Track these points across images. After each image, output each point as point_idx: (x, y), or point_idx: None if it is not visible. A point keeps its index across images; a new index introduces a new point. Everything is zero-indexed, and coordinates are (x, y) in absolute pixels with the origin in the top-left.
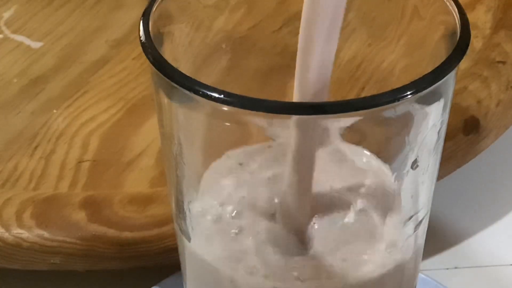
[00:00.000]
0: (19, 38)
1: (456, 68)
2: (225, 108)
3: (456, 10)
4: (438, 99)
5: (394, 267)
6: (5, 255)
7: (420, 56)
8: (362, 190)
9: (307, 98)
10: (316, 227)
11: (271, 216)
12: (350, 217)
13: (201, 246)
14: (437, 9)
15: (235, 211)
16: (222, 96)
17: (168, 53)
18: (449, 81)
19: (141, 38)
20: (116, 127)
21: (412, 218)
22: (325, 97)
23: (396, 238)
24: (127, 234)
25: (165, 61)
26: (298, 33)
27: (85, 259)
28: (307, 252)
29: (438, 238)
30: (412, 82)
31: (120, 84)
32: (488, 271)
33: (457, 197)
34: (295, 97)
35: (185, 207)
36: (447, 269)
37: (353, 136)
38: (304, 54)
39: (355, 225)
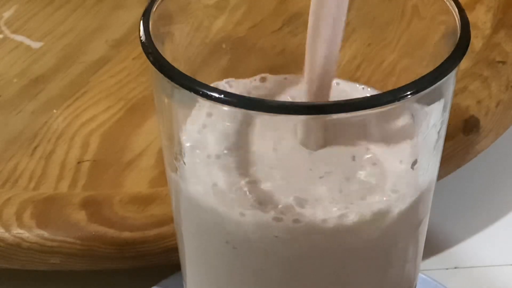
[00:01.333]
0: (19, 38)
1: (456, 68)
2: (225, 108)
3: (456, 10)
4: (438, 99)
5: (394, 267)
6: (5, 255)
7: (420, 56)
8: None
9: (317, 72)
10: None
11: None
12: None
13: (203, 243)
14: (437, 9)
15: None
16: (222, 96)
17: (168, 53)
18: (449, 81)
19: (141, 38)
20: (116, 127)
21: None
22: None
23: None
24: (127, 234)
25: (165, 61)
26: (298, 33)
27: (85, 259)
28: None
29: (438, 238)
30: (412, 82)
31: (120, 84)
32: (488, 271)
33: (457, 197)
34: (306, 76)
35: None
36: (447, 269)
37: (353, 135)
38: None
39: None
